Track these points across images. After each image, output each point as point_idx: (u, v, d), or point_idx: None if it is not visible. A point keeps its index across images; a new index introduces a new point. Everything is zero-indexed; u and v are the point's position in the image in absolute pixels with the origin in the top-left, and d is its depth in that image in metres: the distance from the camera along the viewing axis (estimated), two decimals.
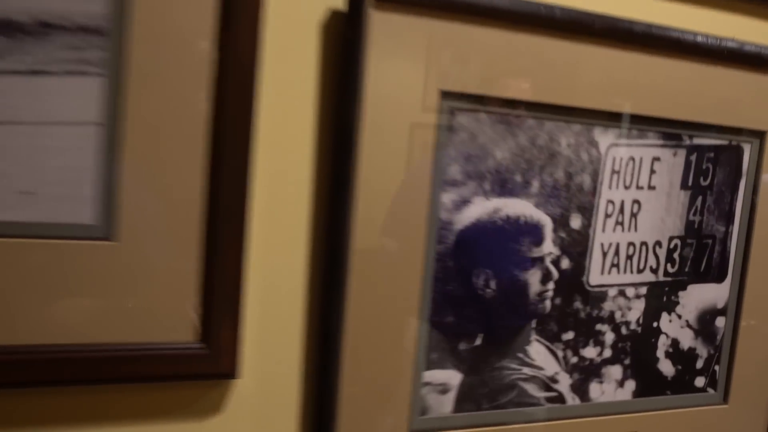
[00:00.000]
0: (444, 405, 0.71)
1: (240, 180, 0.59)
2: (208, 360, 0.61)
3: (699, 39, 0.75)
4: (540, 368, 0.75)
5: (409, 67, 0.63)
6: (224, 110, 0.58)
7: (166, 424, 0.62)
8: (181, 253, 0.59)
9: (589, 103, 0.72)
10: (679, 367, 0.83)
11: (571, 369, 0.77)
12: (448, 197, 0.68)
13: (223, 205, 0.59)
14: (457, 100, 0.66)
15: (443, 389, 0.71)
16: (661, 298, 0.80)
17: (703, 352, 0.84)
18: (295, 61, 0.62)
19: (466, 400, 0.72)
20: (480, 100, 0.67)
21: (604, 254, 0.76)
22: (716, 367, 0.85)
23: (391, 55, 0.63)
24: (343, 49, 0.62)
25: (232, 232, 0.60)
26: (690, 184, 0.79)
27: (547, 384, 0.76)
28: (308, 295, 0.65)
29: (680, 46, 0.74)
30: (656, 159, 0.77)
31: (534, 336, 0.74)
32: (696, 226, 0.81)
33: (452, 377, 0.71)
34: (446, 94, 0.65)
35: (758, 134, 0.82)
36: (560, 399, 0.77)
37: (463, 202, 0.68)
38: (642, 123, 0.75)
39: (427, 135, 0.65)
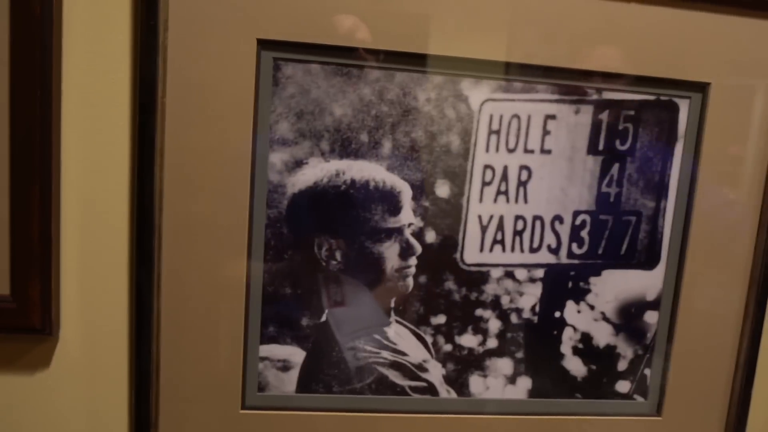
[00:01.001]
0: (286, 383, 0.66)
1: (44, 133, 0.59)
2: (17, 314, 0.61)
3: None
4: (403, 353, 0.67)
5: (219, 13, 0.59)
6: (25, 59, 0.58)
7: None
8: None
9: (452, 50, 0.62)
10: (593, 367, 0.69)
11: (443, 358, 0.67)
12: (277, 157, 0.62)
13: (26, 159, 0.59)
14: (281, 50, 0.60)
15: (284, 366, 0.65)
16: (564, 283, 0.68)
17: (626, 351, 0.70)
18: (105, 12, 0.60)
19: (312, 380, 0.66)
20: (309, 50, 0.61)
21: (484, 228, 0.66)
22: (646, 371, 0.70)
23: (197, 1, 0.59)
24: None
25: (37, 187, 0.59)
26: (601, 147, 0.66)
27: (414, 372, 0.67)
28: (129, 256, 0.63)
29: None
30: (550, 117, 0.65)
31: (394, 317, 0.66)
32: (612, 199, 0.67)
33: (294, 354, 0.65)
34: (266, 43, 0.60)
35: (699, 87, 0.67)
36: (431, 390, 0.67)
37: (297, 164, 0.62)
38: (528, 73, 0.64)
39: (245, 89, 0.60)
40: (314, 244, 0.64)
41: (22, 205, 0.60)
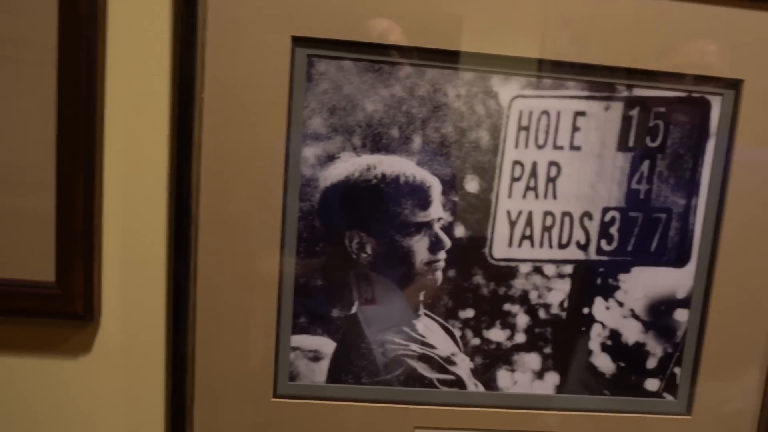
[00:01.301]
0: (316, 373, 0.67)
1: (89, 128, 0.62)
2: (62, 300, 0.64)
3: None
4: (431, 346, 0.67)
5: (255, 11, 0.61)
6: (72, 55, 0.61)
7: (37, 359, 0.66)
8: (38, 195, 0.62)
9: (482, 46, 0.63)
10: (622, 364, 0.69)
11: (471, 351, 0.68)
12: (311, 152, 0.64)
13: (72, 153, 0.62)
14: (315, 47, 0.62)
15: (315, 356, 0.67)
16: (593, 280, 0.68)
17: (656, 349, 0.69)
18: (146, 10, 0.62)
19: (342, 370, 0.67)
20: (342, 46, 0.62)
21: (512, 224, 0.66)
22: (676, 370, 0.70)
23: (234, 1, 0.61)
24: None
25: (82, 180, 0.62)
26: (631, 144, 0.66)
27: (442, 365, 0.68)
28: (168, 247, 0.65)
29: None
30: (580, 113, 0.66)
31: (423, 310, 0.67)
32: (642, 196, 0.67)
33: (325, 345, 0.67)
34: (300, 40, 0.62)
35: (732, 84, 0.66)
36: (459, 383, 0.68)
37: (329, 158, 0.64)
38: (558, 70, 0.65)
39: (279, 86, 0.62)
40: (345, 237, 0.65)
41: (67, 197, 0.62)
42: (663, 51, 0.65)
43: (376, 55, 0.63)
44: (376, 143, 0.64)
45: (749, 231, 0.68)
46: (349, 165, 0.64)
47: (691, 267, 0.69)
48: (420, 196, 0.65)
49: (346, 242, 0.65)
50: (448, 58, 0.63)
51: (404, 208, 0.65)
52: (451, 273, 0.66)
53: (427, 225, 0.66)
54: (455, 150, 0.65)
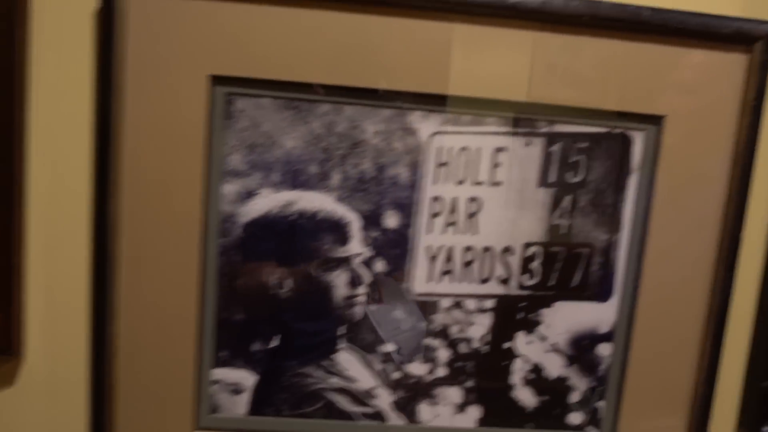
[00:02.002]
0: (238, 405, 0.67)
1: (7, 162, 0.62)
2: None
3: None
4: (352, 380, 0.68)
5: (174, 51, 0.61)
6: None
7: None
8: None
9: (400, 84, 0.63)
10: (545, 398, 0.69)
11: (393, 385, 0.68)
12: (230, 188, 0.64)
13: None
14: (234, 85, 0.62)
15: (236, 389, 0.67)
16: (515, 314, 0.68)
17: (579, 383, 0.69)
18: (67, 51, 0.63)
19: (263, 403, 0.67)
20: (261, 85, 0.63)
21: (432, 259, 0.67)
22: (600, 404, 0.70)
23: (153, 40, 0.61)
24: (102, 37, 0.61)
25: (3, 214, 0.63)
26: (552, 180, 0.66)
27: (362, 398, 0.68)
28: (90, 282, 0.66)
29: (526, 10, 0.63)
30: (500, 149, 0.66)
31: (343, 344, 0.67)
32: (564, 231, 0.67)
33: (245, 378, 0.67)
34: (219, 79, 0.62)
35: (654, 119, 0.66)
36: (380, 416, 0.68)
37: (249, 194, 0.64)
38: (478, 106, 0.65)
39: (198, 124, 0.62)
40: (266, 272, 0.66)
41: None
42: (584, 86, 0.65)
43: (294, 92, 0.63)
44: (296, 179, 0.64)
45: (671, 265, 0.68)
46: (268, 201, 0.65)
47: (613, 301, 0.69)
48: (339, 231, 0.65)
49: (267, 277, 0.66)
50: (366, 95, 0.64)
51: (324, 243, 0.66)
52: (372, 307, 0.67)
53: (347, 260, 0.66)
54: (374, 186, 0.65)
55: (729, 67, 0.66)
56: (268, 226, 0.65)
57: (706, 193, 0.67)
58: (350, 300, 0.66)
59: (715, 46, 0.65)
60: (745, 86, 0.66)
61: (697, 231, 0.68)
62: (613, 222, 0.68)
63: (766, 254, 0.69)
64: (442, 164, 0.66)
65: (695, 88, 0.66)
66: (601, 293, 0.69)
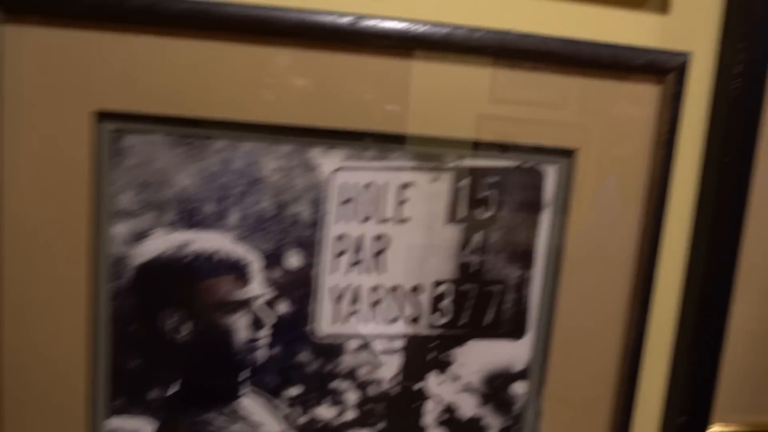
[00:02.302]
0: None
1: None
2: None
3: (446, 32, 0.60)
4: (257, 426, 0.65)
5: (54, 86, 0.57)
6: None
7: None
8: None
9: (300, 119, 0.61)
10: None
11: (300, 429, 0.65)
12: (121, 229, 0.61)
13: None
14: (121, 121, 0.59)
15: None
16: (425, 354, 0.66)
17: (494, 423, 0.67)
18: None
19: None
20: (151, 120, 0.59)
21: (338, 299, 0.64)
22: None
23: (31, 74, 0.57)
24: None
25: None
26: (461, 216, 0.64)
27: None
28: None
29: (430, 41, 0.60)
30: (407, 185, 0.63)
31: (247, 388, 0.64)
32: (475, 268, 0.65)
33: (143, 427, 0.64)
34: (105, 115, 0.58)
35: (566, 153, 0.64)
36: None
37: (141, 235, 0.61)
38: (383, 141, 0.62)
39: (81, 163, 0.59)
40: (162, 317, 0.62)
41: None
42: (494, 120, 0.63)
43: (187, 128, 0.60)
44: (191, 219, 0.61)
45: (585, 301, 0.66)
46: (162, 242, 0.61)
47: (527, 339, 0.67)
48: (239, 272, 0.62)
49: (163, 321, 0.62)
50: (264, 130, 0.60)
51: (222, 285, 0.62)
52: (275, 351, 0.64)
53: (247, 302, 0.63)
54: (275, 225, 0.62)
55: (642, 99, 0.64)
56: (162, 268, 0.62)
57: (620, 228, 0.65)
58: (252, 343, 0.64)
59: (627, 77, 0.63)
60: (659, 118, 0.64)
61: (611, 266, 0.66)
62: (525, 258, 0.65)
63: (681, 290, 0.68)
64: (346, 201, 0.63)
65: (607, 121, 0.64)
66: (515, 330, 0.67)
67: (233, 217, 0.62)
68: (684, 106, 0.64)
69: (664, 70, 0.63)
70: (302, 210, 0.62)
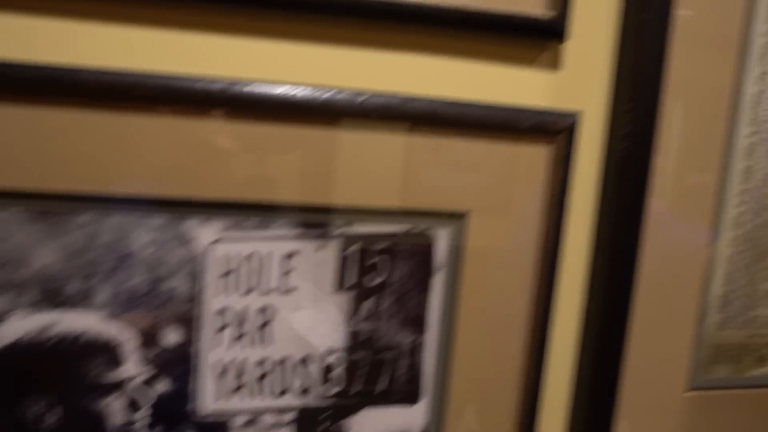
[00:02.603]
0: None
1: None
2: None
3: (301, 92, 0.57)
4: None
5: None
6: None
7: None
8: None
9: (172, 190, 0.57)
10: None
11: None
12: None
13: None
14: None
15: None
16: (317, 426, 0.63)
17: None
18: None
19: None
20: (3, 196, 0.54)
21: (221, 374, 0.61)
22: None
23: None
24: None
25: None
26: (350, 284, 0.62)
27: None
28: None
29: (307, 108, 0.57)
30: (291, 254, 0.60)
31: None
32: (367, 335, 0.63)
33: None
34: None
35: (457, 216, 0.63)
36: None
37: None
38: (263, 210, 0.59)
39: None
40: (25, 405, 0.58)
41: None
42: (382, 184, 0.60)
43: (46, 201, 0.55)
44: (54, 299, 0.56)
45: (480, 364, 0.65)
46: (22, 325, 0.56)
47: (422, 404, 0.65)
48: (110, 353, 0.58)
49: (27, 409, 0.58)
50: (133, 204, 0.56)
51: (93, 368, 0.58)
52: None
53: (122, 384, 0.59)
54: (149, 301, 0.58)
55: (532, 161, 0.63)
56: (23, 352, 0.57)
57: (513, 290, 0.64)
58: (128, 427, 0.60)
59: (518, 139, 0.62)
60: (550, 179, 0.63)
61: (504, 328, 0.65)
62: (418, 323, 0.64)
63: (576, 349, 0.67)
64: (227, 273, 0.59)
65: (498, 183, 0.62)
66: (410, 396, 0.65)
67: (103, 295, 0.57)
68: (575, 166, 0.64)
69: (554, 131, 0.62)
70: (179, 285, 0.58)
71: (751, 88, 0.69)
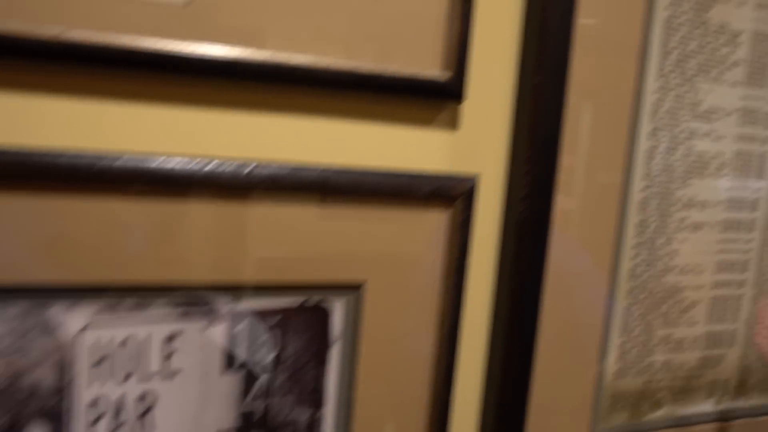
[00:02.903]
0: None
1: None
2: None
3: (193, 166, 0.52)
4: None
5: None
6: None
7: None
8: None
9: (33, 275, 0.51)
10: None
11: None
12: None
13: None
14: None
15: None
16: None
17: None
18: None
19: None
20: None
21: None
22: None
23: None
24: None
25: None
26: (240, 363, 0.58)
27: None
28: None
29: (183, 183, 0.52)
30: (173, 336, 0.56)
31: None
32: (260, 414, 0.59)
33: None
34: None
35: (353, 286, 0.60)
36: None
37: None
38: (139, 291, 0.54)
39: None
40: None
41: None
42: (270, 258, 0.57)
43: None
44: None
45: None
46: None
47: None
48: None
49: None
50: None
51: None
52: None
53: None
54: (9, 397, 0.52)
55: (430, 227, 0.61)
56: None
57: (414, 357, 0.62)
58: None
59: (414, 205, 0.60)
60: (449, 245, 0.61)
61: (405, 398, 0.63)
62: (315, 397, 0.61)
63: (478, 418, 0.67)
64: (100, 360, 0.54)
65: (395, 251, 0.60)
66: None
67: None
68: (474, 230, 0.62)
69: (452, 196, 0.60)
70: (44, 377, 0.53)
71: (644, 144, 0.70)
